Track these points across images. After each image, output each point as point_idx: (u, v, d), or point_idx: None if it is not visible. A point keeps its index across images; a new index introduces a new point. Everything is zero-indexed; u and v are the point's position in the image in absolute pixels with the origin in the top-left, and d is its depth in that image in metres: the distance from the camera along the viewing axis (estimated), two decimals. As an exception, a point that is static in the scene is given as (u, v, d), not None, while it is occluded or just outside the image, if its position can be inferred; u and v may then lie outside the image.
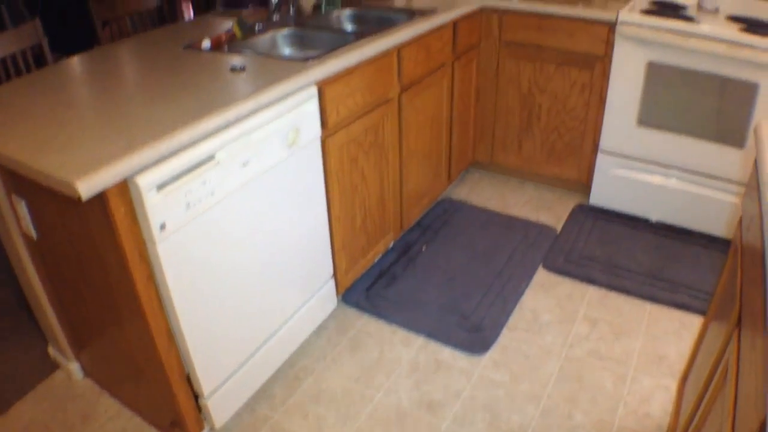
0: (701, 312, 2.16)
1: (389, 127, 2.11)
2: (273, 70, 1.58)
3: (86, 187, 1.07)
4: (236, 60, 1.69)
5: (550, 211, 2.82)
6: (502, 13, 2.63)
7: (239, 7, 2.42)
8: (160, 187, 1.21)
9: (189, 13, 3.48)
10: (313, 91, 1.60)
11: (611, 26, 2.41)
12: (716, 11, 2.55)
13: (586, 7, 2.49)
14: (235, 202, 1.44)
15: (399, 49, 2.02)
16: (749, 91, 2.24)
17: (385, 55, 1.94)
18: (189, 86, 1.48)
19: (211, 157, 1.31)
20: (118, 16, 2.69)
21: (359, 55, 1.76)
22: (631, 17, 2.36)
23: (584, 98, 2.62)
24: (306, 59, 1.65)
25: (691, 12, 2.51)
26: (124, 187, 1.18)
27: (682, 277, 2.34)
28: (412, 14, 2.30)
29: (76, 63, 1.82)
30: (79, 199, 1.09)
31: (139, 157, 1.15)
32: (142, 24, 2.80)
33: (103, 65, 1.77)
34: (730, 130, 2.35)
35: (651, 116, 2.50)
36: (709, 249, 2.51)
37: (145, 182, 1.18)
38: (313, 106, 1.61)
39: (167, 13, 2.84)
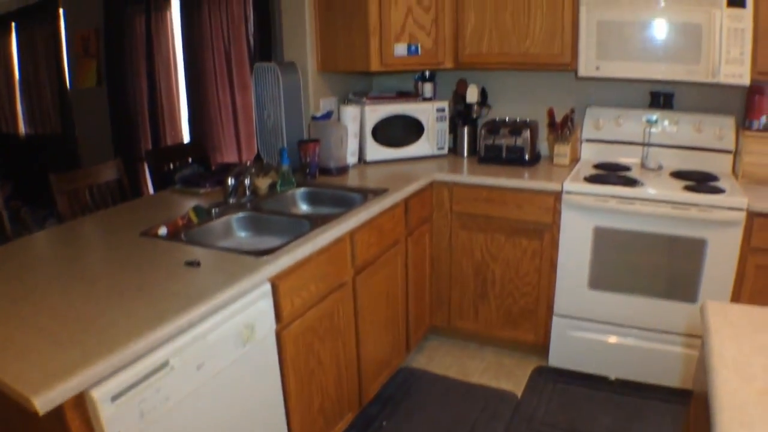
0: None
1: (344, 310, 2.27)
2: (227, 267, 1.75)
3: (43, 402, 1.17)
4: (192, 253, 1.87)
5: (510, 375, 2.97)
6: (452, 186, 2.94)
7: (197, 185, 2.68)
8: (115, 398, 1.31)
9: (148, 187, 3.74)
10: (267, 288, 1.77)
11: (557, 195, 2.73)
12: (659, 169, 2.93)
13: (532, 179, 2.82)
14: (190, 403, 1.54)
15: (352, 234, 2.24)
16: (698, 247, 2.53)
17: (338, 241, 2.15)
18: (144, 286, 1.63)
19: (165, 364, 1.43)
20: (78, 188, 2.93)
21: (312, 246, 1.96)
22: (575, 187, 2.68)
23: (536, 264, 2.88)
24: (260, 253, 1.84)
25: (635, 172, 2.88)
26: (80, 399, 1.28)
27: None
28: (365, 194, 2.56)
29: (33, 246, 1.98)
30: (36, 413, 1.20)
31: (94, 370, 1.26)
32: (101, 196, 3.03)
33: (61, 251, 1.93)
34: (682, 286, 2.61)
35: (602, 279, 2.76)
36: (669, 402, 2.67)
37: (100, 394, 1.28)
38: (267, 303, 1.77)
39: (127, 187, 3.09)
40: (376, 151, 3.17)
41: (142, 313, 1.46)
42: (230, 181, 2.42)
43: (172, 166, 3.44)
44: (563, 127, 3.10)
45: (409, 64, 3.05)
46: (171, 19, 4.73)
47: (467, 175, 2.93)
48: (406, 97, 3.26)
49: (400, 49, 2.97)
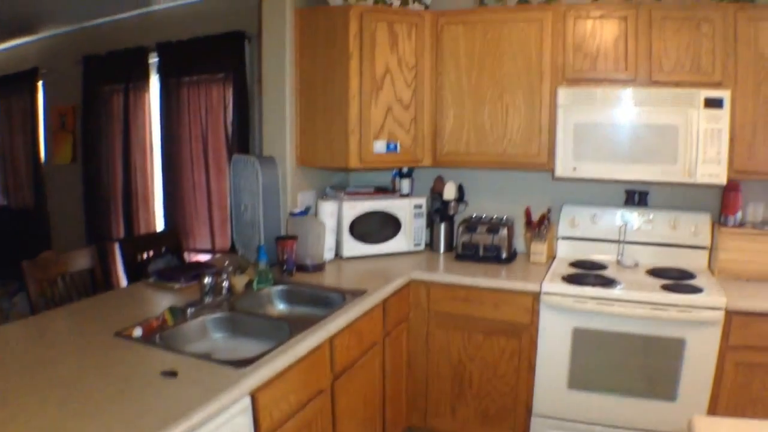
0: None
1: (323, 418, 2.29)
2: (205, 378, 1.77)
3: None
4: (168, 360, 1.89)
5: None
6: (430, 285, 3.04)
7: (171, 280, 2.75)
8: None
9: (121, 277, 3.79)
10: (247, 402, 1.80)
11: (536, 296, 2.83)
12: (636, 266, 3.08)
13: (510, 278, 2.94)
14: None
15: (332, 340, 2.29)
16: (676, 346, 2.64)
17: (318, 348, 2.20)
18: (121, 397, 1.64)
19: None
20: (51, 277, 2.97)
21: (293, 355, 2.00)
22: (554, 288, 2.79)
23: (514, 364, 2.96)
24: (239, 363, 1.87)
25: (612, 270, 3.02)
26: None
27: None
28: (343, 294, 2.62)
29: (5, 340, 2.00)
30: None
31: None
32: (74, 284, 3.06)
33: (35, 350, 1.95)
34: (661, 385, 2.70)
35: (581, 379, 2.83)
36: None
37: None
38: (246, 419, 1.79)
39: (100, 277, 3.14)
40: (353, 247, 3.27)
41: (118, 431, 1.50)
42: (207, 280, 2.50)
43: (145, 255, 3.52)
44: (540, 226, 3.26)
45: (387, 161, 3.21)
46: (149, 100, 4.90)
47: (445, 274, 3.04)
48: (383, 193, 3.41)
49: (380, 146, 3.14)
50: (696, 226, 3.11)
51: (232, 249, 3.96)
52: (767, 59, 2.71)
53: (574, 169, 2.98)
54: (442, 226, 3.45)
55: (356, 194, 3.32)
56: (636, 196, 3.25)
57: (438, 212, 3.46)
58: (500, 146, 3.15)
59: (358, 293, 2.64)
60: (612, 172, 2.92)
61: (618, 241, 3.22)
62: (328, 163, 3.19)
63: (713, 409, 2.68)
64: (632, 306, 2.68)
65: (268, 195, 3.00)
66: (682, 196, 3.22)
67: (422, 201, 3.40)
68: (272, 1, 3.11)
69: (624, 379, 2.78)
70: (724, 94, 2.72)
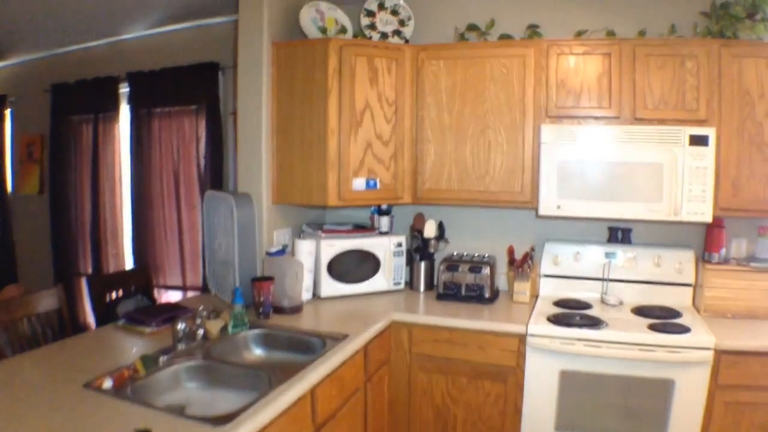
0: None
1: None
2: None
3: None
4: (140, 415, 1.82)
5: None
6: (412, 327, 2.99)
7: (142, 324, 2.67)
8: None
9: (89, 317, 3.69)
10: None
11: (522, 338, 2.80)
12: (620, 305, 3.07)
13: (494, 319, 2.91)
14: None
15: (313, 390, 2.22)
16: (665, 387, 2.62)
17: (299, 399, 2.12)
18: None
19: None
20: (16, 318, 2.87)
21: (274, 409, 1.92)
22: (540, 329, 2.77)
23: (500, 408, 2.90)
24: (217, 420, 1.78)
25: (596, 309, 3.01)
26: None
27: None
28: (323, 339, 2.55)
29: None
30: None
31: None
32: (40, 326, 2.94)
33: (2, 403, 1.86)
34: (650, 426, 2.68)
35: (568, 422, 2.79)
36: None
37: None
38: None
39: (67, 319, 3.06)
40: (331, 287, 3.22)
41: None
42: (180, 326, 2.42)
43: (114, 294, 3.43)
44: (523, 264, 3.24)
45: (367, 198, 3.18)
46: (119, 131, 4.83)
47: (428, 316, 2.99)
48: (362, 231, 3.37)
49: (359, 183, 3.11)
50: (680, 263, 3.12)
51: (205, 287, 3.89)
52: (751, 96, 2.76)
53: (558, 207, 2.98)
54: (422, 265, 3.41)
55: (334, 232, 3.28)
56: (619, 234, 3.26)
57: (418, 250, 3.43)
58: (482, 183, 3.14)
59: (339, 338, 2.57)
60: (597, 211, 2.93)
61: (602, 279, 3.22)
62: (305, 201, 3.15)
63: None
64: (620, 347, 2.66)
65: (243, 234, 2.95)
66: (665, 233, 3.25)
67: (402, 239, 3.36)
68: (248, 34, 3.09)
69: (612, 420, 2.74)
70: (710, 132, 2.75)
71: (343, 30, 3.25)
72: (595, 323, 2.80)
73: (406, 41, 3.30)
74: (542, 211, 3.00)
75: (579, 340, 2.72)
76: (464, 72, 3.11)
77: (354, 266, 3.28)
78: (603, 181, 2.90)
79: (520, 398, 2.87)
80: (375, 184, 3.15)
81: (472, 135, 3.13)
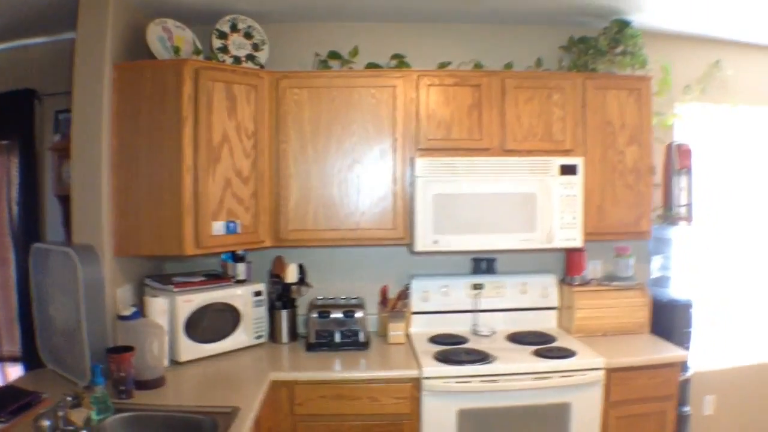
0: None
1: None
2: None
3: None
4: None
5: None
6: (293, 386, 2.83)
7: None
8: None
9: None
10: None
11: (416, 382, 2.83)
12: (493, 334, 3.28)
13: (381, 366, 2.91)
14: None
15: None
16: (562, 411, 2.86)
17: None
18: None
19: None
20: None
21: None
22: (435, 371, 2.82)
23: None
24: None
25: (473, 342, 3.17)
26: None
27: None
28: (210, 417, 2.28)
29: None
30: None
31: None
32: None
33: None
34: None
35: (471, 464, 2.90)
36: None
37: None
38: None
39: None
40: (191, 350, 2.93)
41: None
42: (45, 422, 2.03)
43: None
44: (397, 304, 3.31)
45: (227, 244, 2.97)
46: None
47: (311, 372, 2.87)
48: (218, 281, 3.12)
49: (218, 227, 2.91)
50: (544, 288, 3.44)
51: (27, 358, 3.31)
52: (614, 126, 3.17)
53: (436, 242, 3.08)
54: (284, 314, 3.27)
55: (187, 285, 2.98)
56: (483, 264, 3.49)
57: (280, 298, 3.29)
58: (352, 221, 3.13)
59: (229, 411, 2.32)
60: (474, 243, 3.10)
61: (472, 311, 3.41)
62: (156, 251, 2.84)
63: None
64: (516, 379, 2.83)
65: (90, 295, 2.53)
66: (527, 261, 3.54)
67: (261, 287, 3.20)
68: (87, 54, 2.73)
69: (515, 454, 2.93)
70: (578, 161, 3.08)
71: (197, 51, 3.05)
72: (483, 357, 2.94)
73: (261, 67, 3.19)
74: (419, 247, 3.07)
75: (474, 376, 2.83)
76: (330, 102, 3.08)
77: (212, 322, 3.01)
78: (479, 213, 3.07)
79: (419, 446, 2.92)
80: (235, 227, 2.96)
81: (339, 169, 3.10)
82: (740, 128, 3.96)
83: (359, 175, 3.12)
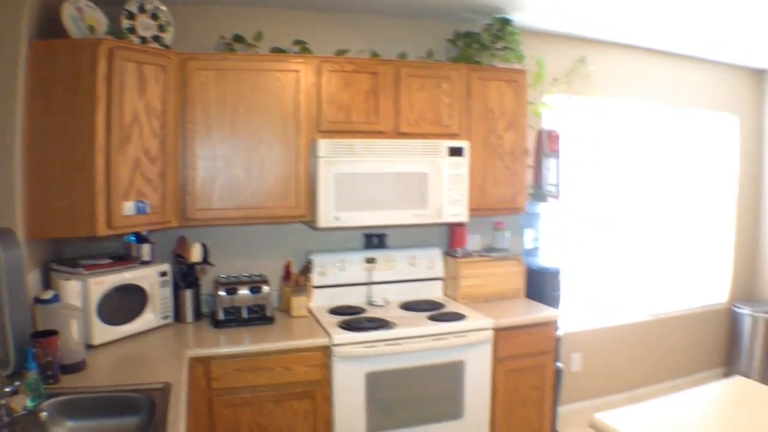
0: None
1: None
2: None
3: None
4: None
5: None
6: (209, 361, 3.07)
7: None
8: None
9: None
10: None
11: (326, 350, 3.21)
12: (387, 304, 3.75)
13: (292, 336, 3.24)
14: None
15: None
16: (458, 369, 3.40)
17: None
18: None
19: None
20: None
21: None
22: (344, 337, 3.22)
23: (310, 424, 3.26)
24: None
25: (369, 311, 3.61)
26: None
27: None
28: (145, 394, 2.44)
29: None
30: None
31: None
32: None
33: None
34: (450, 406, 3.44)
35: (378, 421, 3.34)
36: None
37: None
38: None
39: None
40: (105, 332, 3.08)
41: None
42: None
43: None
44: (300, 278, 3.65)
45: (137, 224, 3.14)
46: None
47: (228, 347, 3.13)
48: (125, 263, 3.27)
49: (129, 207, 3.07)
50: (431, 261, 3.97)
51: None
52: (494, 113, 3.74)
53: (337, 218, 3.45)
54: (188, 293, 3.50)
55: (97, 267, 3.11)
56: (375, 239, 3.93)
57: (184, 278, 3.51)
58: (256, 199, 3.41)
59: (162, 387, 2.53)
60: (372, 219, 3.52)
61: (366, 284, 3.85)
62: (69, 232, 2.95)
63: (494, 416, 3.55)
64: (418, 341, 3.32)
65: (13, 280, 2.64)
66: (414, 236, 4.05)
67: (166, 267, 3.39)
68: (2, 30, 2.74)
69: (417, 410, 3.40)
70: (464, 144, 3.61)
71: (111, 31, 3.14)
72: (385, 324, 3.38)
73: (167, 48, 3.34)
74: (322, 224, 3.43)
75: (379, 341, 3.27)
76: (236, 84, 3.33)
77: (121, 304, 3.17)
78: (377, 191, 3.49)
79: (330, 410, 3.27)
80: (144, 207, 3.13)
81: (244, 150, 3.37)
82: (600, 117, 4.79)
83: (263, 156, 3.41)
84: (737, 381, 2.61)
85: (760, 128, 5.85)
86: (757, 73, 5.73)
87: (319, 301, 3.80)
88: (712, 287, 5.80)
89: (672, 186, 5.44)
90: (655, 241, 5.38)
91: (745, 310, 5.60)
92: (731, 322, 5.77)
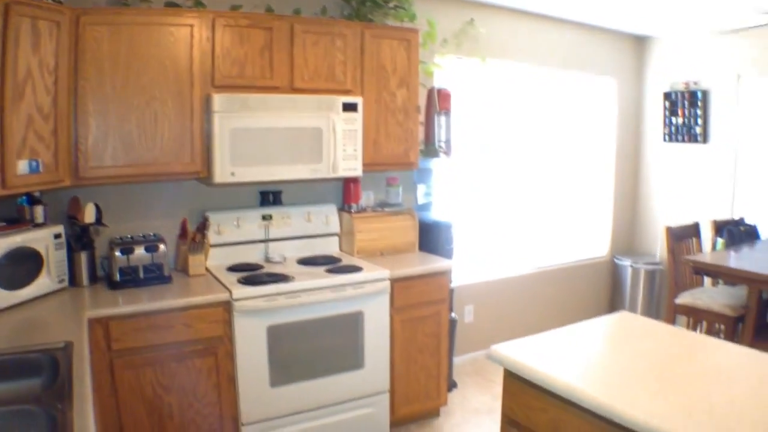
0: None
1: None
2: None
3: None
4: None
5: None
6: (108, 322, 3.22)
7: None
8: None
9: None
10: None
11: (227, 305, 3.44)
12: (285, 260, 4.03)
13: (192, 293, 3.45)
14: None
15: None
16: (356, 319, 3.75)
17: None
18: None
19: None
20: None
21: None
22: (245, 292, 3.46)
23: (213, 381, 3.49)
24: None
25: (267, 268, 3.88)
26: None
27: None
28: (48, 354, 2.52)
29: None
30: None
31: None
32: None
33: None
34: (351, 357, 3.79)
35: (281, 374, 3.63)
36: None
37: None
38: None
39: None
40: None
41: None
42: None
43: None
44: (196, 236, 3.84)
45: (30, 184, 3.21)
46: None
47: (128, 306, 3.27)
48: (17, 226, 3.34)
49: (23, 166, 3.17)
50: (326, 217, 4.27)
51: None
52: (387, 70, 4.06)
53: (233, 174, 3.67)
54: (83, 256, 3.61)
55: None
56: (270, 197, 4.17)
57: (78, 240, 3.62)
58: (150, 156, 3.56)
59: (63, 347, 2.60)
60: (269, 174, 3.76)
61: (263, 241, 4.11)
62: (-39, 193, 3.04)
63: (393, 364, 3.94)
64: (317, 293, 3.63)
65: None
66: (309, 192, 4.33)
67: (61, 230, 3.48)
68: None
69: (319, 361, 3.71)
70: (358, 100, 3.91)
71: None
72: (284, 278, 3.66)
73: (60, 3, 3.38)
74: (218, 179, 3.63)
75: (279, 294, 3.55)
76: (129, 39, 3.45)
77: (16, 269, 3.25)
78: (273, 146, 3.74)
79: (232, 366, 3.52)
80: (38, 166, 3.23)
81: (138, 106, 3.50)
82: (489, 78, 5.22)
83: (158, 111, 3.56)
84: (623, 314, 3.04)
85: (639, 92, 6.56)
86: (638, 40, 6.42)
87: (217, 259, 4.02)
88: (595, 241, 6.49)
89: (557, 145, 6.04)
90: (541, 198, 5.97)
91: (625, 262, 6.30)
92: (613, 273, 6.47)
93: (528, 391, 2.37)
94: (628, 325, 2.88)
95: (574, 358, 2.45)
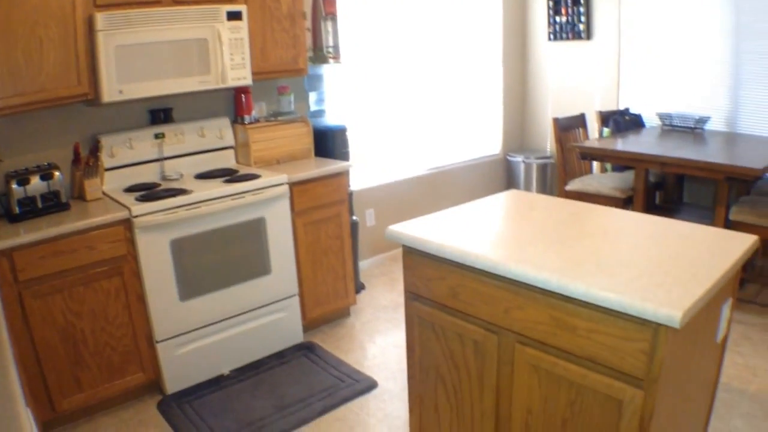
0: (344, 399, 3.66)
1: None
2: None
3: None
4: None
5: (142, 425, 3.64)
6: (11, 252, 3.28)
7: None
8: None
9: None
10: None
11: (127, 223, 3.57)
12: (182, 177, 4.17)
13: (90, 216, 3.51)
14: None
15: None
16: (259, 225, 3.97)
17: None
18: None
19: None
20: None
21: None
22: (143, 208, 3.59)
23: (123, 301, 3.66)
24: None
25: (165, 185, 3.99)
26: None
27: (299, 391, 3.79)
28: None
29: None
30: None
31: None
32: None
33: None
34: (257, 264, 4.02)
35: (189, 288, 3.82)
36: (286, 362, 4.10)
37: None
38: None
39: None
40: None
41: None
42: None
43: None
44: (90, 159, 3.92)
45: None
46: None
47: (30, 234, 3.31)
48: None
49: None
50: (220, 131, 4.42)
51: None
52: (268, -23, 4.14)
53: (121, 92, 3.74)
54: (-27, 191, 3.62)
55: None
56: (161, 114, 4.26)
57: (-34, 176, 3.60)
58: (38, 83, 3.55)
59: None
60: (158, 89, 3.85)
61: (158, 160, 4.22)
62: None
63: (300, 267, 4.20)
64: (217, 202, 3.81)
65: None
66: (200, 107, 4.44)
67: None
68: None
69: (226, 271, 3.93)
70: (242, 8, 4.02)
71: None
72: (182, 191, 3.82)
73: None
74: (106, 99, 3.70)
75: (179, 207, 3.71)
76: None
77: None
78: (159, 61, 3.82)
79: (140, 284, 3.69)
80: None
81: (23, 34, 3.47)
82: None
83: (42, 37, 3.54)
84: (512, 192, 3.32)
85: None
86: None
87: (113, 183, 4.12)
88: (488, 141, 6.81)
89: (446, 47, 6.29)
90: (434, 100, 6.26)
91: (518, 158, 6.65)
92: (507, 169, 6.85)
93: (426, 262, 2.64)
94: (519, 200, 3.15)
95: (467, 229, 2.70)
